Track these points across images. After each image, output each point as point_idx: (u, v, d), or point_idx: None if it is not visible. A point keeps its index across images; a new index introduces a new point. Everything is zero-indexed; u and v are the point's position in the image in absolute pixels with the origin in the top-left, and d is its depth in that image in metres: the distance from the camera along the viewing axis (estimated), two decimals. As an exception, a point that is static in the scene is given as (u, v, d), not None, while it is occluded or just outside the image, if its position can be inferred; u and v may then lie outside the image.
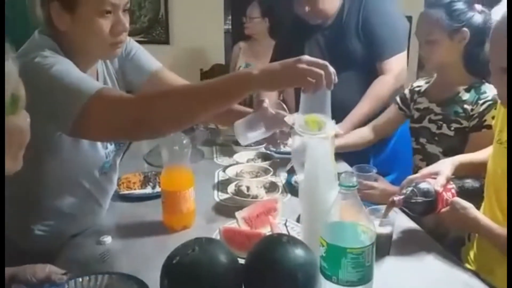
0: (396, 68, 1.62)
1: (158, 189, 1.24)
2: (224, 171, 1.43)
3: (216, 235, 0.98)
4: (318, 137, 0.79)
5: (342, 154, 1.47)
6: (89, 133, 0.86)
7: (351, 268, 0.66)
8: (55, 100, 0.81)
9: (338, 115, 1.61)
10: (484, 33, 1.24)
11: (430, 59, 1.33)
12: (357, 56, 1.71)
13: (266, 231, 1.01)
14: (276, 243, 0.77)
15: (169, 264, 0.72)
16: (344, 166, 1.43)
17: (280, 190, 1.26)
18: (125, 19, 0.92)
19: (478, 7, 1.28)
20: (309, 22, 1.75)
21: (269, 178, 1.34)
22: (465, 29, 1.25)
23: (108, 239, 0.99)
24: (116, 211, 1.17)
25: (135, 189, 1.26)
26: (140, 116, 0.79)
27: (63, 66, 0.84)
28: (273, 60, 1.98)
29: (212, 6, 3.45)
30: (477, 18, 1.26)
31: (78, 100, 0.79)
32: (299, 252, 0.75)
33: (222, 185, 1.35)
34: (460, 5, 1.26)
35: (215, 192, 1.31)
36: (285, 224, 1.06)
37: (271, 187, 1.27)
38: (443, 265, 0.91)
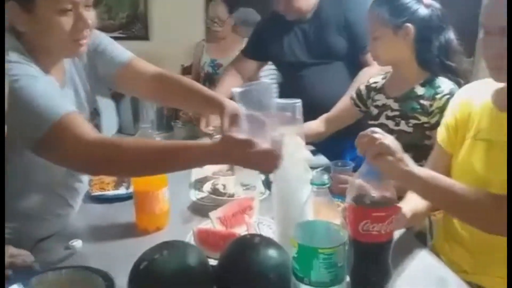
0: None
1: (132, 189, 1.20)
2: (201, 168, 1.40)
3: (190, 237, 0.96)
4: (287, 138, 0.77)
5: (319, 150, 1.47)
6: (50, 158, 0.85)
7: (323, 269, 0.64)
8: (19, 118, 0.79)
9: (324, 107, 1.64)
10: (430, 27, 1.22)
11: (378, 56, 1.31)
12: (339, 49, 1.71)
13: (242, 230, 0.99)
14: (248, 245, 0.75)
15: (136, 269, 0.69)
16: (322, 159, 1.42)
17: (259, 188, 1.24)
18: (89, 15, 0.88)
19: (426, 0, 1.24)
20: (286, 17, 1.74)
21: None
22: (408, 24, 1.22)
23: (78, 243, 0.95)
24: (88, 213, 1.13)
25: (108, 190, 1.22)
26: (97, 160, 0.82)
27: (29, 81, 0.81)
28: (246, 55, 1.99)
29: (192, 0, 3.41)
30: (422, 12, 1.23)
31: (40, 126, 0.79)
32: (271, 253, 0.73)
33: (199, 184, 1.32)
34: (405, 0, 1.23)
35: (192, 191, 1.28)
36: (257, 224, 1.04)
37: (249, 185, 1.25)
38: (418, 261, 0.90)
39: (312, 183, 0.66)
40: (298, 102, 0.80)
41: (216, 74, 2.62)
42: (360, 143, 0.76)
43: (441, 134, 1.07)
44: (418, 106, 1.24)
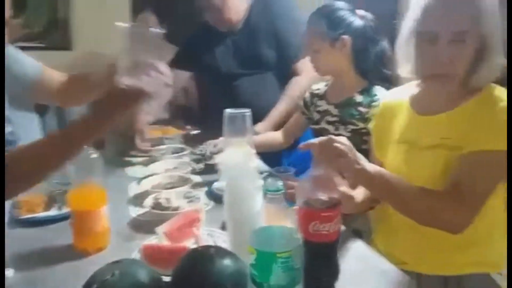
0: (309, 69, 1.69)
1: (65, 209, 1.12)
2: (139, 183, 1.35)
3: (135, 255, 0.92)
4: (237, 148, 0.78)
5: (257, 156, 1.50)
6: None
7: (281, 272, 0.65)
8: None
9: (258, 117, 1.68)
10: (365, 38, 1.31)
11: (318, 67, 1.40)
12: (269, 59, 1.77)
13: (190, 244, 0.97)
14: (202, 256, 0.74)
15: (86, 293, 0.65)
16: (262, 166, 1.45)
17: (202, 199, 1.23)
18: None
19: (360, 12, 1.34)
20: (217, 28, 1.76)
21: (190, 187, 1.30)
22: (345, 36, 1.30)
23: (9, 273, 0.86)
24: (17, 238, 1.03)
25: (38, 212, 1.13)
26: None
27: None
28: (177, 66, 1.98)
29: (117, 7, 3.27)
30: (357, 24, 1.32)
31: None
32: (227, 262, 0.73)
33: (138, 199, 1.27)
34: (340, 13, 1.32)
35: (131, 207, 1.23)
36: (207, 235, 1.03)
37: (193, 197, 1.23)
38: (358, 256, 0.95)
39: (267, 190, 0.68)
40: (247, 112, 0.81)
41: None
42: (315, 147, 0.80)
43: (371, 140, 1.16)
44: (356, 113, 1.33)
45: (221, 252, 0.76)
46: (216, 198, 1.27)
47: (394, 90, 1.19)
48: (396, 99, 1.12)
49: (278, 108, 1.69)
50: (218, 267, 0.72)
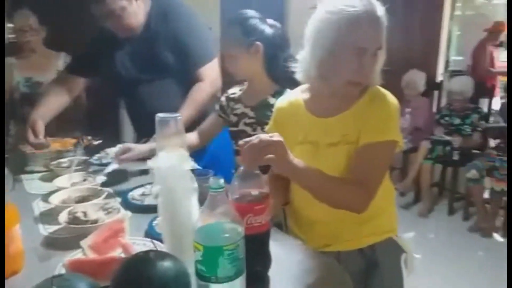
0: (211, 74, 1.74)
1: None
2: (45, 200, 1.25)
3: (59, 272, 0.86)
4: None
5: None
6: None
7: (228, 264, 0.69)
8: None
9: None
10: (275, 44, 1.42)
11: (234, 72, 1.47)
12: (170, 66, 1.76)
13: (117, 254, 0.95)
14: (143, 261, 0.74)
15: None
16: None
17: (120, 209, 1.19)
18: None
19: (270, 21, 1.45)
20: (116, 34, 1.72)
21: (105, 199, 1.25)
22: (258, 42, 1.40)
23: None
24: None
25: None
26: None
27: None
28: (73, 72, 1.88)
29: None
30: (268, 31, 1.42)
31: None
32: (168, 265, 0.74)
33: (47, 216, 1.18)
34: (253, 21, 1.41)
35: (40, 225, 1.14)
36: (135, 243, 1.01)
37: (110, 208, 1.18)
38: (280, 246, 1.00)
39: (209, 188, 0.71)
40: (179, 116, 0.83)
41: (36, 94, 2.33)
42: (243, 148, 0.86)
43: None
44: (271, 114, 1.42)
45: (161, 255, 0.77)
46: (132, 207, 1.25)
47: (286, 95, 1.28)
48: (290, 103, 1.23)
49: (181, 113, 1.70)
50: (160, 270, 0.73)
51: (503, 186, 2.97)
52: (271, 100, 1.43)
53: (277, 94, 1.44)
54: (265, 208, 0.84)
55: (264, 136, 0.89)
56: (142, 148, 1.47)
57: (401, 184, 3.61)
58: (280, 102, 1.28)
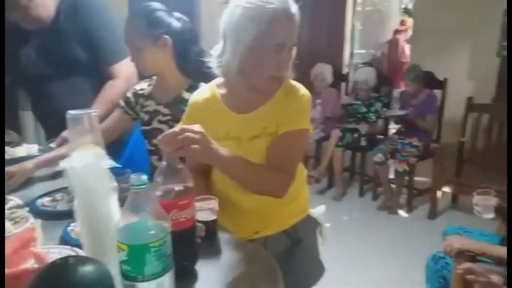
0: (125, 71, 1.67)
1: None
2: None
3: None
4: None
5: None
6: None
7: (155, 261, 0.68)
8: None
9: None
10: (184, 38, 1.39)
11: (141, 66, 1.42)
12: (82, 62, 1.66)
13: (30, 265, 0.87)
14: (63, 268, 0.69)
15: None
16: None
17: (29, 218, 1.09)
18: None
19: (177, 14, 1.41)
20: (22, 27, 1.57)
21: (11, 208, 1.13)
22: (165, 36, 1.35)
23: None
24: None
25: None
26: None
27: None
28: None
29: None
30: (176, 25, 1.38)
31: None
32: (89, 269, 0.70)
33: None
34: (159, 14, 1.36)
35: None
36: (48, 252, 0.94)
37: (17, 218, 1.08)
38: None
39: (131, 185, 0.69)
40: (94, 112, 0.78)
41: None
42: (164, 142, 0.84)
43: None
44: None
45: (81, 259, 0.73)
46: (43, 214, 1.16)
47: (201, 90, 1.25)
48: (206, 99, 1.20)
49: (95, 109, 1.61)
50: (80, 275, 0.69)
51: (405, 166, 3.30)
52: (186, 95, 1.40)
53: (192, 88, 1.41)
54: (190, 203, 0.84)
55: (186, 126, 0.88)
56: (27, 167, 1.37)
57: (315, 171, 3.81)
58: (195, 98, 1.24)
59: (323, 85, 3.97)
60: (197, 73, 1.43)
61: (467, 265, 1.42)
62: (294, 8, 1.06)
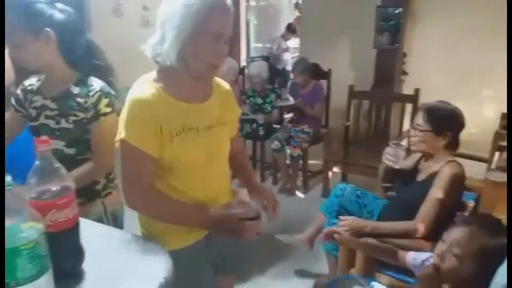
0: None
1: None
2: None
3: None
4: None
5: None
6: None
7: (28, 264, 0.66)
8: None
9: None
10: (68, 30, 1.32)
11: (25, 61, 1.33)
12: None
13: None
14: None
15: None
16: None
17: None
18: None
19: (59, 5, 1.34)
20: None
21: None
22: (47, 29, 1.28)
23: None
24: None
25: None
26: None
27: None
28: None
29: None
30: (58, 16, 1.31)
31: None
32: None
33: None
34: (38, 6, 1.28)
35: None
36: None
37: None
38: (103, 235, 1.04)
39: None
40: None
41: None
42: None
43: (142, 139, 1.09)
44: (75, 104, 1.34)
45: None
46: None
47: (140, 89, 1.12)
48: (153, 95, 1.11)
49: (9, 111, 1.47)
50: None
51: (299, 151, 3.54)
52: (74, 90, 1.36)
53: (81, 82, 1.37)
54: (69, 202, 0.82)
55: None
56: None
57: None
58: (140, 96, 1.10)
59: (233, 79, 3.98)
60: (86, 66, 1.39)
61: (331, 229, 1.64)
62: (229, 0, 1.11)
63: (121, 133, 1.11)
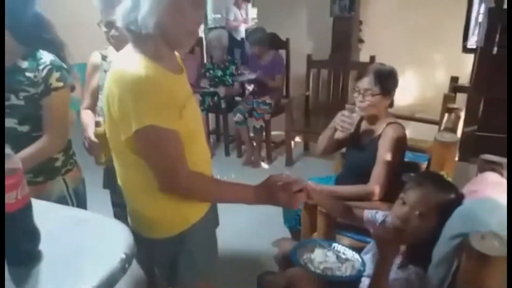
0: None
1: None
2: None
3: None
4: None
5: None
6: None
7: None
8: None
9: None
10: (14, 2, 1.24)
11: None
12: None
13: None
14: None
15: None
16: None
17: None
18: None
19: None
20: None
21: None
22: None
23: None
24: None
25: None
26: None
27: None
28: None
29: None
30: None
31: None
32: None
33: None
34: None
35: None
36: None
37: None
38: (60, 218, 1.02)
39: None
40: None
41: None
42: None
43: (170, 120, 1.03)
44: (24, 79, 1.28)
45: None
46: None
47: (138, 67, 1.02)
48: (155, 72, 1.04)
49: None
50: None
51: (261, 123, 3.56)
52: (23, 64, 1.30)
53: (29, 56, 1.31)
54: (17, 183, 0.80)
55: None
56: None
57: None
58: (145, 73, 1.00)
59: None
60: (35, 40, 1.32)
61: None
62: None
63: (141, 119, 0.99)
